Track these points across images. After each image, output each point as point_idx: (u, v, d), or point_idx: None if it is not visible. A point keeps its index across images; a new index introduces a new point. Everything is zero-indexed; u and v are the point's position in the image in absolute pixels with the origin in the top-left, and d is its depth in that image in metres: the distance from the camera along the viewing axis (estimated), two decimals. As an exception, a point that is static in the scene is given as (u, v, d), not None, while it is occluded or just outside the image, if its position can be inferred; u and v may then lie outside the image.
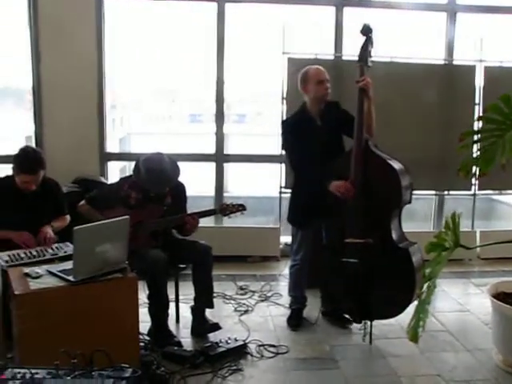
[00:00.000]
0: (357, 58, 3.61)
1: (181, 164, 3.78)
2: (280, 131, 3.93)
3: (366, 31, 3.59)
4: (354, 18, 5.20)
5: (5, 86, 5.98)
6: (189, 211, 3.81)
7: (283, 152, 4.01)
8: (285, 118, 4.08)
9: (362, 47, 3.59)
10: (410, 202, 3.63)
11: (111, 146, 5.59)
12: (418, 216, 6.37)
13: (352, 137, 3.57)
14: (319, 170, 3.62)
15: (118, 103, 9.69)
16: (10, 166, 3.65)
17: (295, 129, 3.78)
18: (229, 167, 6.88)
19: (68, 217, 3.87)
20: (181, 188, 3.86)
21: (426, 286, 2.70)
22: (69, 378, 1.96)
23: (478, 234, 5.53)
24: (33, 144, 5.16)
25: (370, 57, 3.59)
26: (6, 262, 3.24)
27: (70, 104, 5.05)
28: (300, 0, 5.31)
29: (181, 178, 3.79)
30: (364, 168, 3.50)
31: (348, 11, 5.27)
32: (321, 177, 3.61)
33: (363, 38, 3.60)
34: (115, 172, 5.98)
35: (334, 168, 3.61)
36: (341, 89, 4.51)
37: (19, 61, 5.09)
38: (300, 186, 3.91)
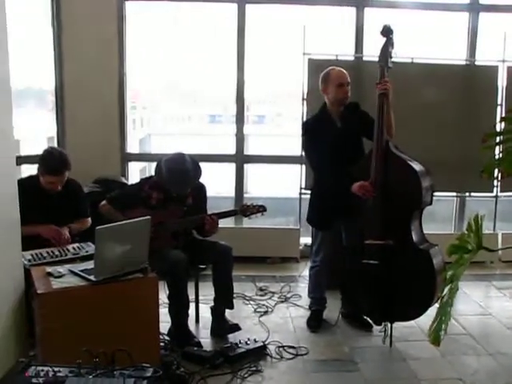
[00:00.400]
0: (377, 59, 3.59)
1: (201, 164, 3.80)
2: (301, 132, 3.94)
3: (387, 32, 3.57)
4: (374, 18, 5.17)
5: (27, 86, 6.05)
6: (209, 212, 3.82)
7: (303, 153, 3.98)
8: (305, 119, 4.06)
9: (383, 48, 3.57)
10: (430, 204, 3.60)
11: (131, 147, 5.63)
12: (439, 218, 6.31)
13: (371, 139, 3.56)
14: (339, 171, 3.60)
15: (138, 104, 9.76)
16: (32, 166, 3.71)
17: (315, 129, 3.77)
18: (249, 168, 6.89)
19: (89, 220, 3.91)
20: (201, 189, 3.87)
21: (447, 288, 2.67)
22: (91, 376, 1.98)
23: (499, 237, 5.47)
24: (55, 145, 5.22)
25: (391, 58, 3.57)
26: (29, 260, 3.29)
27: (91, 105, 5.10)
28: (320, 1, 5.30)
29: (201, 179, 3.81)
30: (384, 169, 3.48)
31: (369, 12, 5.24)
32: (341, 178, 3.59)
33: (383, 39, 3.58)
34: (135, 172, 6.02)
35: (354, 169, 3.59)
36: (361, 89, 4.50)
37: (41, 62, 5.14)
38: (320, 186, 3.90)
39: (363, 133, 3.75)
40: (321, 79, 3.81)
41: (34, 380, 1.96)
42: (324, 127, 3.75)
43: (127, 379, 1.91)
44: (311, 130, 3.81)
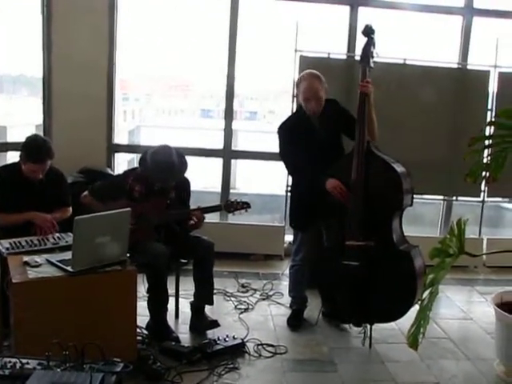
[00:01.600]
0: (358, 59, 3.58)
1: (188, 158, 3.76)
2: (277, 136, 3.80)
3: (368, 32, 3.56)
4: (368, 18, 5.13)
5: (20, 74, 6.00)
6: (195, 206, 3.78)
7: (280, 157, 3.86)
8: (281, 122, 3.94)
9: (364, 48, 3.56)
10: (411, 205, 3.59)
11: (119, 138, 5.57)
12: (426, 221, 6.31)
13: (352, 137, 3.53)
14: (318, 172, 3.56)
15: (130, 96, 9.71)
16: (18, 153, 3.65)
17: (292, 131, 3.71)
18: (239, 164, 6.86)
19: (70, 209, 3.86)
20: (185, 183, 3.83)
21: (427, 292, 2.64)
22: (59, 369, 1.93)
23: (484, 242, 5.46)
24: (41, 133, 5.16)
25: (372, 58, 3.55)
26: (7, 249, 3.24)
27: (78, 94, 5.03)
28: (314, -2, 5.27)
29: (188, 173, 3.76)
30: (365, 170, 3.46)
31: (363, 11, 5.21)
32: (319, 178, 3.56)
33: (365, 39, 3.56)
34: (124, 163, 5.97)
35: (334, 169, 3.57)
36: (352, 88, 4.45)
37: (33, 50, 5.08)
38: (297, 188, 3.88)
39: (343, 131, 3.72)
40: (296, 82, 3.77)
41: (-1, 372, 1.92)
42: (301, 128, 3.70)
43: (95, 373, 1.87)
44: (287, 134, 3.73)
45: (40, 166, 3.57)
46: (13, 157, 4.64)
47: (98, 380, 1.85)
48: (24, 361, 1.98)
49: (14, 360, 2.00)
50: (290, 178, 5.16)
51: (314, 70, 3.76)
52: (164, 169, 3.55)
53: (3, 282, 2.98)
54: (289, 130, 3.75)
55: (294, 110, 3.99)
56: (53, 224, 3.53)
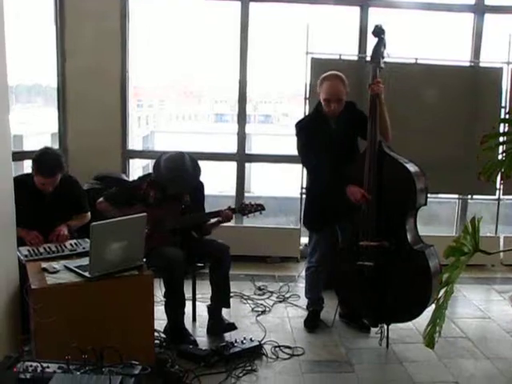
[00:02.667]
0: (369, 59, 3.59)
1: (203, 163, 3.79)
2: (294, 132, 3.83)
3: (378, 32, 3.57)
4: (378, 18, 5.13)
5: (35, 83, 6.08)
6: (210, 210, 3.81)
7: (298, 153, 3.89)
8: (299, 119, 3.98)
9: (374, 49, 3.57)
10: (425, 204, 3.58)
11: (134, 144, 5.62)
12: (441, 220, 6.28)
13: (366, 138, 3.54)
14: (333, 173, 3.57)
15: (144, 103, 9.80)
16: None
17: (309, 130, 3.73)
18: (253, 168, 6.88)
19: (88, 214, 3.91)
20: (199, 187, 3.86)
21: (443, 290, 2.64)
22: (78, 373, 1.97)
23: (501, 240, 5.43)
24: (56, 141, 5.23)
25: (383, 58, 3.56)
26: (26, 256, 3.29)
27: (93, 102, 5.10)
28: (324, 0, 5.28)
29: (202, 177, 3.79)
30: (378, 170, 3.47)
31: (373, 11, 5.21)
32: (335, 179, 3.56)
33: (375, 40, 3.57)
34: (138, 169, 6.02)
35: (348, 170, 3.57)
36: (364, 89, 4.45)
37: (48, 59, 5.15)
38: (314, 188, 3.89)
39: (359, 132, 3.72)
40: (318, 82, 3.77)
41: (21, 375, 1.96)
42: (318, 127, 3.71)
43: (114, 376, 1.90)
44: (304, 131, 3.75)
45: (50, 180, 3.60)
46: (29, 165, 4.71)
47: (117, 382, 1.89)
48: (45, 365, 2.03)
49: (34, 364, 2.04)
50: (305, 180, 5.19)
51: (338, 72, 3.74)
52: (176, 175, 3.58)
53: (23, 289, 3.03)
54: (306, 128, 3.77)
55: (311, 111, 3.99)
56: (36, 236, 3.50)
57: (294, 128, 3.84)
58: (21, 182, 3.47)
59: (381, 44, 3.55)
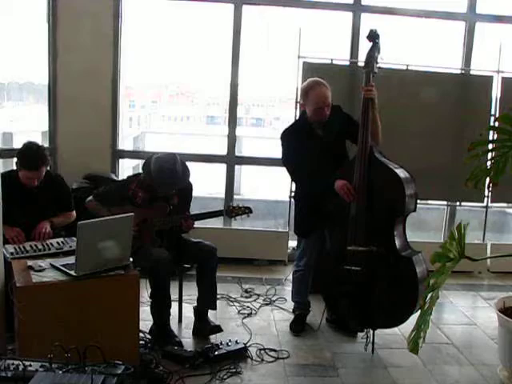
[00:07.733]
0: (362, 64, 3.58)
1: (193, 164, 3.78)
2: (280, 143, 3.79)
3: (373, 37, 3.56)
4: (371, 23, 5.15)
5: (27, 81, 6.06)
6: (199, 211, 3.80)
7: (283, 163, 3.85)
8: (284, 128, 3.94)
9: (368, 53, 3.55)
10: (414, 211, 3.58)
11: (124, 144, 5.61)
12: (430, 226, 6.31)
13: (356, 142, 3.54)
14: (321, 180, 3.56)
15: (136, 103, 9.78)
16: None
17: (295, 139, 3.71)
18: (244, 170, 6.88)
19: (73, 213, 3.89)
20: (188, 188, 3.85)
21: (428, 296, 2.65)
22: (61, 371, 1.96)
23: (488, 247, 5.45)
24: (47, 139, 5.20)
25: (377, 63, 3.55)
26: (11, 254, 3.27)
27: (84, 101, 5.08)
28: (317, 4, 5.29)
29: (192, 179, 3.78)
30: (368, 175, 3.46)
31: (365, 17, 5.23)
32: (323, 187, 3.56)
33: (369, 44, 3.57)
34: (128, 169, 6.00)
35: (338, 175, 3.56)
36: (356, 94, 4.48)
37: (40, 57, 5.13)
38: (302, 195, 3.88)
39: (347, 136, 3.72)
40: (301, 92, 3.76)
41: (2, 373, 1.94)
42: (304, 137, 3.69)
43: (96, 375, 1.89)
44: (290, 141, 3.73)
45: (35, 173, 3.58)
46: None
47: (100, 382, 1.88)
48: (26, 363, 2.01)
49: (16, 362, 2.03)
50: (294, 185, 5.20)
51: (319, 78, 3.74)
52: (166, 176, 3.57)
53: (7, 287, 3.01)
54: (292, 137, 3.75)
55: (296, 119, 3.97)
56: (17, 233, 3.48)
57: (280, 137, 3.79)
58: (5, 178, 3.45)
59: (375, 48, 3.54)
